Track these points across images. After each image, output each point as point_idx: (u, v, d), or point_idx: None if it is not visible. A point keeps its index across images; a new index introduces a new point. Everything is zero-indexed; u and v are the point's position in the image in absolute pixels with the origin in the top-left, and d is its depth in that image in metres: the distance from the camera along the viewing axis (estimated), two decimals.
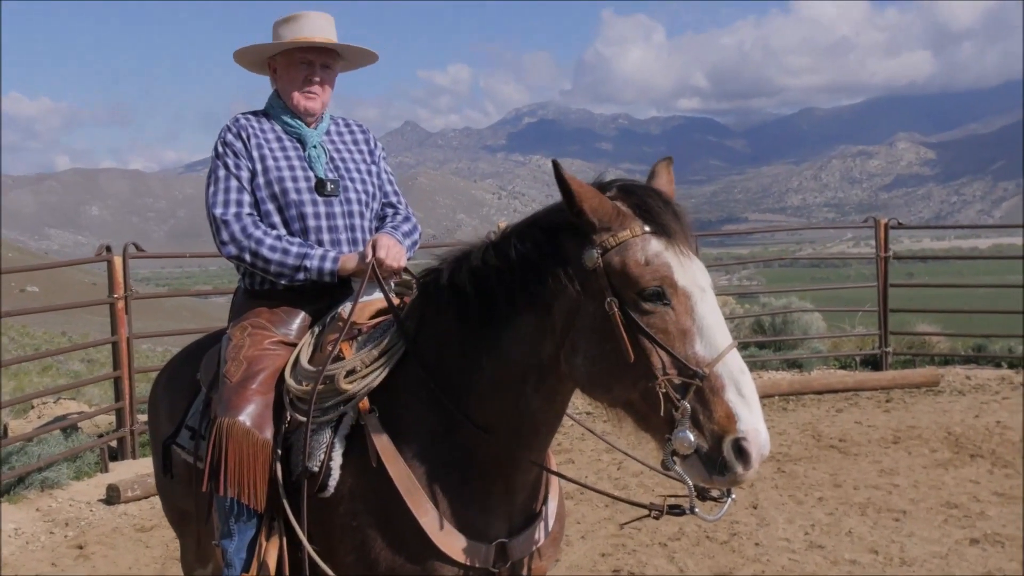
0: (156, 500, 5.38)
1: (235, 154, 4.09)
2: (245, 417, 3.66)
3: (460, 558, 3.39)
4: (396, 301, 3.78)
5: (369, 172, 4.32)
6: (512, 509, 3.55)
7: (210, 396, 4.05)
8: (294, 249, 3.95)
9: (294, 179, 4.08)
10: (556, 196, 3.23)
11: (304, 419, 3.55)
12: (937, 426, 10.98)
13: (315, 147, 4.20)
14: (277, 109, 4.26)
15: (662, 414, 2.96)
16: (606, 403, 3.21)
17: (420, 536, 3.36)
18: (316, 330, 3.95)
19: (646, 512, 3.47)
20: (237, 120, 4.20)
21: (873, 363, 14.44)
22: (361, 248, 4.03)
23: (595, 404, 3.27)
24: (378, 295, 3.85)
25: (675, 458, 2.97)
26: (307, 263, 3.93)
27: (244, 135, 4.13)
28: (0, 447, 9.50)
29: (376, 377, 3.53)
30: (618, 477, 9.41)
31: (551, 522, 3.74)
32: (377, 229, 4.27)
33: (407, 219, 4.36)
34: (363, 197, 4.22)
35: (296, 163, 4.13)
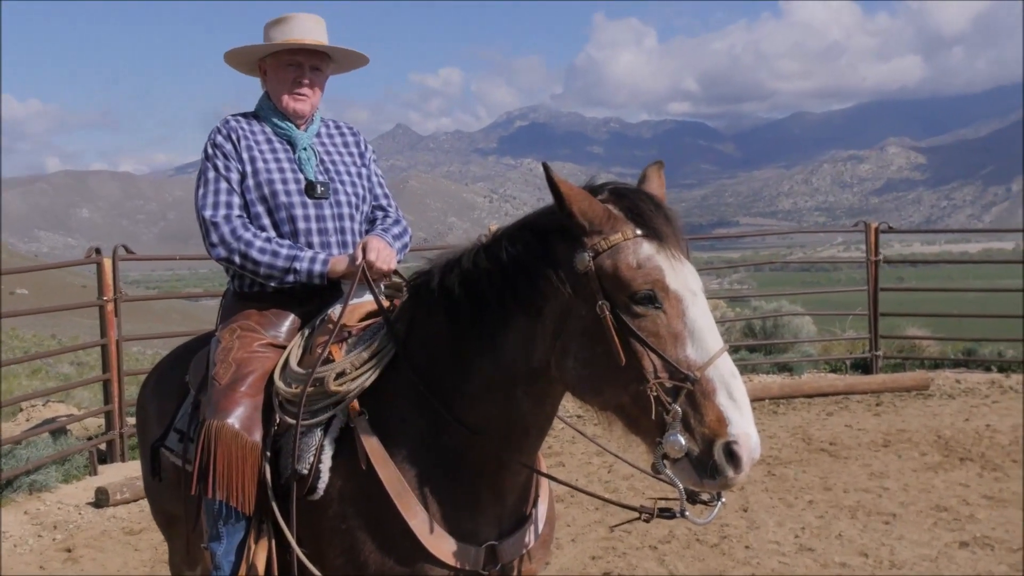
0: (145, 503, 5.36)
1: (225, 156, 4.08)
2: (234, 420, 3.64)
3: (450, 560, 3.38)
4: (386, 304, 3.77)
5: (359, 174, 4.30)
6: (502, 511, 3.54)
7: (199, 399, 4.03)
8: (284, 251, 3.94)
9: (284, 181, 4.07)
10: (547, 199, 3.22)
11: (293, 421, 3.54)
12: (927, 429, 11.00)
13: (305, 149, 4.19)
14: (267, 111, 4.24)
15: (653, 417, 2.96)
16: (597, 406, 3.20)
17: (410, 538, 3.35)
18: (306, 332, 3.94)
19: (637, 515, 3.46)
20: (227, 122, 4.19)
21: (863, 367, 14.46)
22: (351, 250, 4.01)
23: (586, 407, 3.27)
24: (368, 298, 3.85)
25: (666, 461, 2.97)
26: (297, 265, 3.92)
27: (234, 137, 4.12)
28: None
29: (366, 379, 3.52)
30: (608, 480, 9.40)
31: (541, 524, 3.73)
32: (367, 232, 4.26)
33: (397, 222, 4.35)
34: (353, 199, 4.21)
35: (286, 165, 4.12)
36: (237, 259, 3.96)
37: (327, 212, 4.12)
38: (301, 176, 4.11)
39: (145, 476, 4.63)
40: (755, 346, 15.44)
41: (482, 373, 3.37)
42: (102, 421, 10.89)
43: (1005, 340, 15.57)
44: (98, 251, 10.49)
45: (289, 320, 4.05)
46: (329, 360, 3.62)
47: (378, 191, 4.40)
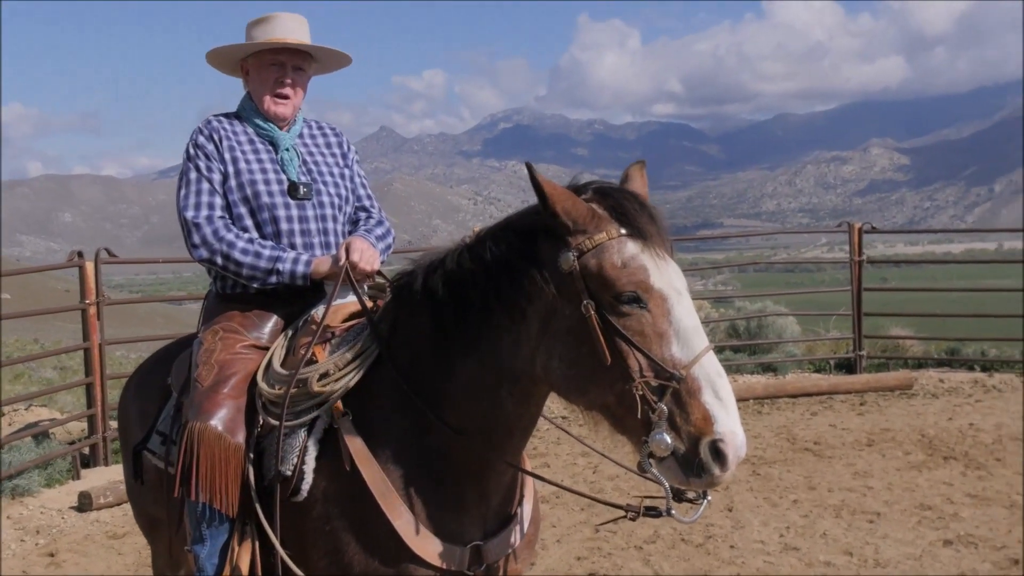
0: (128, 507, 5.35)
1: (207, 156, 4.06)
2: (217, 421, 3.62)
3: (435, 561, 3.37)
4: (369, 304, 3.76)
5: (342, 175, 4.29)
6: (487, 511, 3.53)
7: (181, 401, 4.01)
8: (266, 252, 3.92)
9: (266, 182, 4.05)
10: (532, 201, 3.22)
11: (277, 423, 3.53)
12: (911, 429, 11.03)
13: (287, 150, 4.17)
14: (249, 111, 4.22)
15: (639, 416, 2.95)
16: (582, 406, 3.19)
17: (394, 539, 3.34)
18: (289, 333, 3.92)
19: (622, 513, 3.46)
20: (209, 122, 4.17)
21: (847, 366, 14.50)
22: (334, 251, 4.00)
23: (571, 408, 3.26)
24: (351, 298, 3.83)
25: (652, 460, 2.96)
26: (279, 266, 3.90)
27: (216, 137, 4.10)
28: None
29: (350, 380, 3.51)
30: (594, 480, 9.40)
31: (526, 525, 3.72)
32: (350, 233, 4.24)
33: (380, 223, 4.33)
34: (336, 200, 4.20)
35: (268, 166, 4.10)
36: (219, 260, 3.95)
37: (310, 213, 4.10)
38: (284, 177, 4.09)
39: (127, 479, 4.61)
40: (739, 346, 15.48)
41: (466, 373, 3.36)
42: (85, 425, 10.84)
43: (988, 339, 15.63)
44: (80, 255, 10.45)
45: (272, 321, 4.03)
46: (312, 361, 3.61)
47: (361, 192, 4.38)
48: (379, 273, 3.97)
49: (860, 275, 14.37)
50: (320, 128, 4.41)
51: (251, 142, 4.15)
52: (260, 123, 4.19)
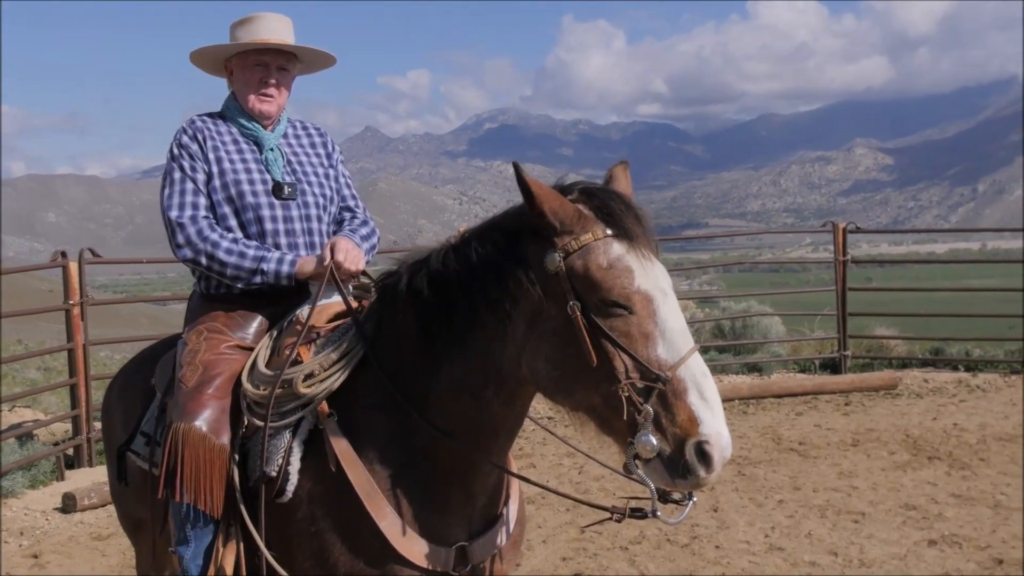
0: (113, 508, 5.33)
1: (191, 156, 4.04)
2: (201, 422, 3.61)
3: (420, 562, 3.37)
4: (355, 304, 3.75)
5: (327, 175, 4.28)
6: (472, 512, 3.53)
7: (165, 401, 4.00)
8: (251, 252, 3.91)
9: (251, 182, 4.04)
10: (517, 201, 3.21)
11: (261, 424, 3.51)
12: (895, 429, 11.06)
13: (272, 150, 4.15)
14: (233, 111, 4.21)
15: (624, 418, 2.95)
16: (568, 407, 3.18)
17: (379, 540, 3.34)
18: (273, 334, 3.90)
19: (608, 515, 3.46)
20: (193, 122, 4.16)
21: (832, 366, 14.54)
22: (319, 251, 3.99)
23: (557, 408, 3.25)
24: (336, 298, 3.82)
25: (638, 462, 2.96)
26: (264, 266, 3.89)
27: (200, 137, 4.08)
28: None
29: (335, 381, 3.50)
30: (579, 481, 9.40)
31: (512, 525, 3.72)
32: (335, 233, 4.23)
33: (365, 223, 4.32)
34: (321, 200, 4.19)
35: (253, 166, 4.09)
36: (203, 260, 3.93)
37: (294, 213, 4.09)
38: (268, 177, 4.08)
39: (111, 480, 4.59)
40: (724, 347, 15.51)
41: (452, 374, 3.35)
42: (69, 426, 10.80)
43: (972, 339, 15.69)
44: (64, 255, 10.42)
45: (257, 321, 4.02)
46: (297, 361, 3.60)
47: (346, 192, 4.38)
48: (364, 273, 3.96)
49: (845, 275, 14.41)
50: (305, 128, 4.40)
51: (235, 142, 4.14)
52: (244, 123, 4.17)
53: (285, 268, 3.90)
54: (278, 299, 4.01)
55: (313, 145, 4.35)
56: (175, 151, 4.07)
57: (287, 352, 3.63)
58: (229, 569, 3.56)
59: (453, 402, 3.36)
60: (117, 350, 26.29)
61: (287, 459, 3.48)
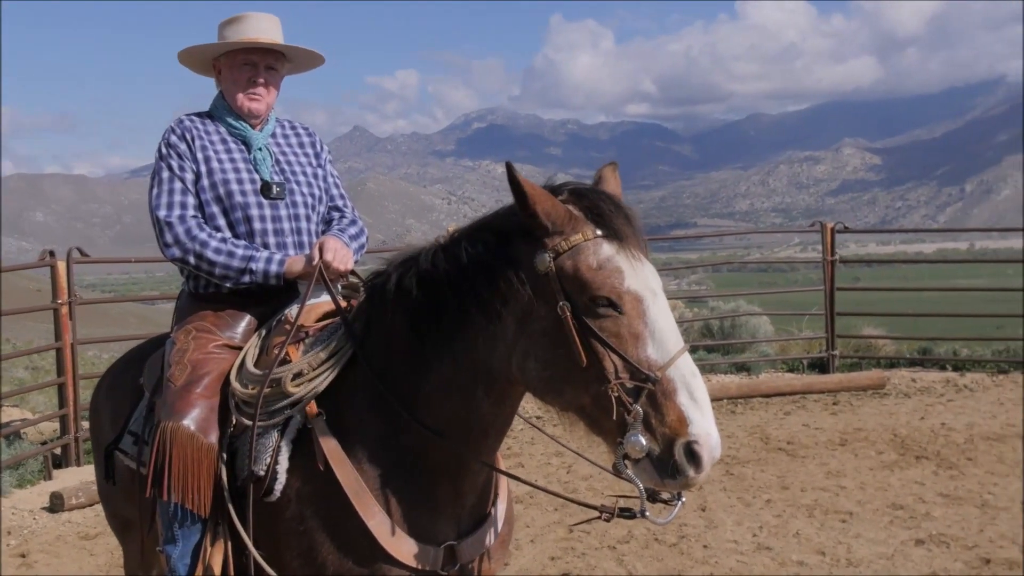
0: (100, 508, 5.33)
1: (179, 156, 4.04)
2: (189, 421, 3.61)
3: (408, 561, 3.36)
4: (343, 304, 3.75)
5: (315, 175, 4.28)
6: (461, 511, 3.53)
7: (154, 401, 3.99)
8: (239, 251, 3.90)
9: (239, 181, 4.04)
10: (506, 200, 3.21)
11: (250, 423, 3.51)
12: (883, 428, 11.08)
13: (260, 149, 4.15)
14: (222, 111, 4.20)
15: (614, 418, 2.95)
16: (558, 407, 3.19)
17: (368, 539, 3.33)
18: (262, 333, 3.90)
19: (597, 514, 3.45)
20: (181, 121, 4.15)
21: (820, 366, 14.57)
22: (307, 251, 3.99)
23: (546, 408, 3.25)
24: (325, 298, 3.82)
25: (627, 462, 2.96)
26: (253, 266, 3.89)
27: (188, 136, 4.08)
28: None
29: (324, 380, 3.50)
30: (567, 480, 9.40)
31: (500, 525, 3.72)
32: (323, 232, 4.23)
33: (354, 222, 4.32)
34: (309, 200, 4.18)
35: (241, 165, 4.09)
36: (192, 259, 3.93)
37: (283, 212, 4.09)
38: (256, 176, 4.08)
39: (99, 480, 4.59)
40: (713, 346, 15.54)
41: (441, 374, 3.35)
42: (57, 425, 10.78)
43: (960, 339, 15.73)
44: (52, 254, 10.40)
45: (245, 321, 4.01)
46: (286, 361, 3.60)
47: (334, 192, 4.37)
48: (353, 273, 3.96)
49: (833, 275, 14.43)
50: (293, 128, 4.40)
51: (224, 141, 4.14)
52: (233, 122, 4.17)
53: (274, 267, 3.90)
54: (267, 298, 4.01)
55: (301, 145, 4.35)
56: (163, 151, 4.06)
57: (276, 351, 3.63)
58: (217, 568, 3.55)
59: (443, 401, 3.36)
60: (105, 349, 26.25)
61: (275, 458, 3.47)
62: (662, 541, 7.63)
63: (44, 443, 10.56)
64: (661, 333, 3.00)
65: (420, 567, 3.39)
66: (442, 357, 3.34)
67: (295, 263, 3.90)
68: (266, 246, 4.02)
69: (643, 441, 2.90)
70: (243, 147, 4.15)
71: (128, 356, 4.67)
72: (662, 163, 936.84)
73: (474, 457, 3.42)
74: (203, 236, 3.93)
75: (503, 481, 3.77)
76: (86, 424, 10.03)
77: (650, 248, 3.25)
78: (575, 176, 3.48)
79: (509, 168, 3.09)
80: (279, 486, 3.46)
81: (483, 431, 3.40)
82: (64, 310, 10.33)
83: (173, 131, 4.10)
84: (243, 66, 4.16)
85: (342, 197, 4.41)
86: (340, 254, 3.84)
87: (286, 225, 4.09)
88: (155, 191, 4.02)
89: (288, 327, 3.70)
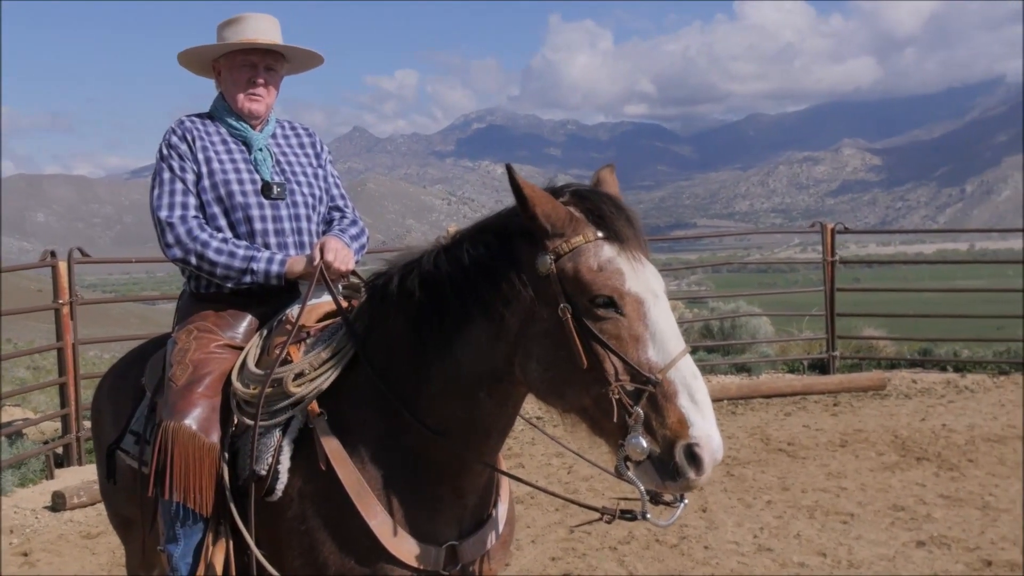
0: (102, 507, 5.33)
1: (180, 156, 4.04)
2: (191, 421, 3.61)
3: (410, 561, 3.37)
4: (344, 304, 3.76)
5: (316, 175, 4.29)
6: (463, 512, 3.53)
7: (155, 400, 4.00)
8: (240, 252, 3.91)
9: (240, 182, 4.05)
10: (506, 201, 3.22)
11: (251, 422, 3.52)
12: (884, 429, 11.07)
13: (261, 150, 4.16)
14: (222, 111, 4.21)
15: (615, 420, 2.96)
16: (559, 409, 3.19)
17: (369, 539, 3.34)
18: (263, 333, 3.91)
19: (598, 516, 3.46)
20: (182, 122, 4.16)
21: (820, 367, 14.56)
22: (308, 251, 4.00)
23: (547, 409, 3.26)
24: (326, 298, 3.83)
25: (628, 464, 2.96)
26: (254, 266, 3.89)
27: (189, 137, 4.09)
28: None
29: (325, 380, 3.51)
30: (568, 481, 9.40)
31: (501, 525, 3.72)
32: (324, 233, 4.23)
33: (354, 223, 4.33)
34: (310, 200, 4.19)
35: (242, 166, 4.09)
36: (193, 260, 3.94)
37: (283, 213, 4.10)
38: (257, 177, 4.09)
39: (101, 479, 4.59)
40: (713, 347, 15.52)
41: (443, 374, 3.35)
42: (59, 425, 10.80)
43: (961, 340, 15.71)
44: (53, 254, 10.41)
45: (246, 321, 4.02)
46: (287, 361, 3.60)
47: (335, 192, 4.38)
48: (354, 273, 3.97)
49: (833, 275, 14.42)
50: (293, 128, 4.41)
51: (224, 142, 4.14)
52: (233, 123, 4.18)
53: (275, 268, 3.90)
54: (268, 299, 4.01)
55: (302, 145, 4.36)
56: (164, 151, 4.07)
57: (277, 351, 3.63)
58: (219, 567, 3.56)
59: (444, 402, 3.36)
60: (106, 349, 26.24)
61: (277, 458, 3.48)
62: (663, 542, 7.63)
63: (46, 442, 10.57)
64: (662, 335, 3.00)
65: (421, 567, 3.39)
66: (444, 358, 3.34)
67: (296, 263, 3.91)
68: (267, 246, 4.03)
69: (644, 443, 2.91)
70: (244, 148, 4.16)
71: (130, 356, 4.68)
72: (662, 163, 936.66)
73: (476, 458, 3.42)
74: (204, 236, 3.94)
75: (504, 482, 3.77)
76: (87, 424, 10.05)
77: (650, 249, 3.25)
78: (575, 176, 3.48)
79: (510, 171, 3.09)
80: (281, 486, 3.47)
81: (485, 432, 3.40)
82: (65, 310, 10.34)
83: (174, 132, 4.11)
84: (242, 67, 4.16)
85: (343, 197, 4.41)
86: (341, 254, 3.85)
87: (287, 225, 4.10)
88: (156, 192, 4.03)
89: (289, 327, 3.71)
